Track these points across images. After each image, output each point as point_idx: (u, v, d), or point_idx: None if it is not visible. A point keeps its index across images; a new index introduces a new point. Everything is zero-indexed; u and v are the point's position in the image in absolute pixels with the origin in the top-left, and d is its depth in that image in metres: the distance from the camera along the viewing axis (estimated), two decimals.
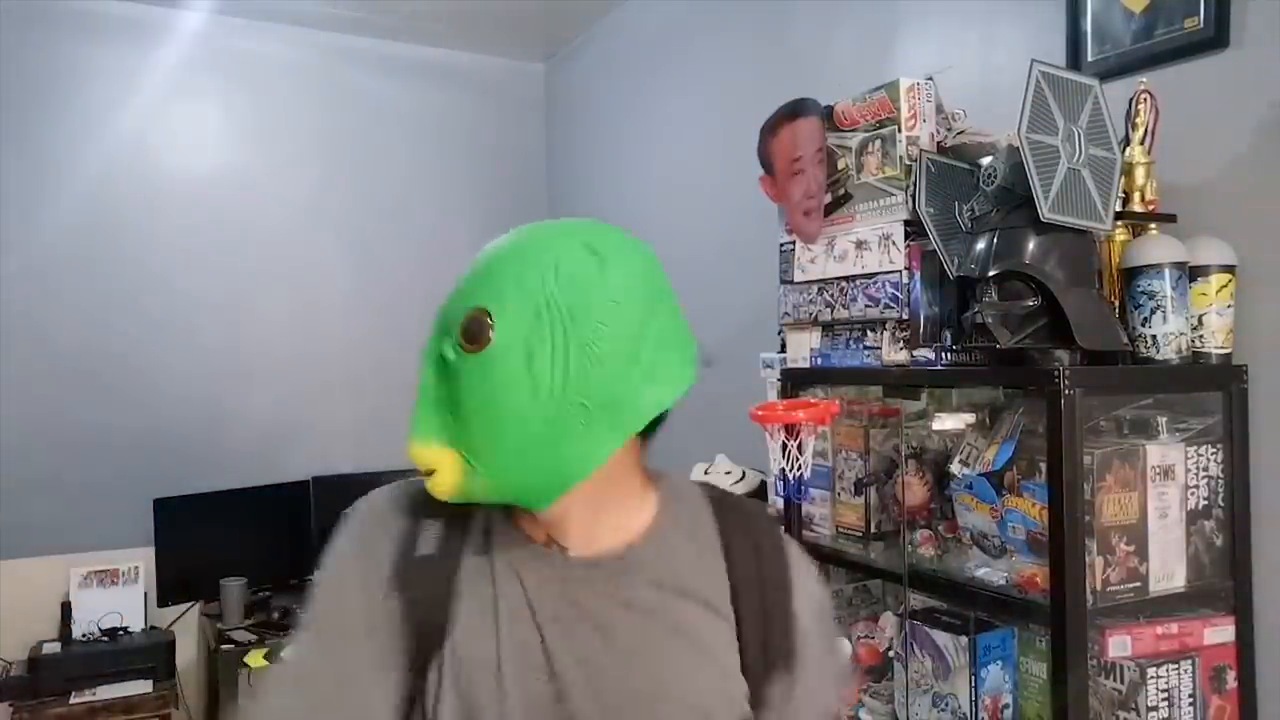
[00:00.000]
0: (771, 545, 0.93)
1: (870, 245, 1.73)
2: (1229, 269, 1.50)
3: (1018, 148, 1.38)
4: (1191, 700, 1.42)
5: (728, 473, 2.44)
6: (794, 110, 1.88)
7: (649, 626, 0.85)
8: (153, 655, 3.06)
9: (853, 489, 1.82)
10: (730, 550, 0.90)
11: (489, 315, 0.77)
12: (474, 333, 0.77)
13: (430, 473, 0.81)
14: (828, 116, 1.83)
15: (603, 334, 0.77)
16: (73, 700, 2.88)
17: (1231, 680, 1.47)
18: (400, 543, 0.85)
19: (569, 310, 0.76)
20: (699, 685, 0.85)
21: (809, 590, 0.93)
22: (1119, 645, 1.39)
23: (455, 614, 0.82)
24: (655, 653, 0.84)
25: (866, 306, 1.74)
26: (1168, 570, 1.44)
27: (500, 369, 0.77)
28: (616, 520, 0.87)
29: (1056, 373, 1.33)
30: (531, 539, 0.86)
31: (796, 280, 1.93)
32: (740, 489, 2.40)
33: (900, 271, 1.67)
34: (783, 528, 1.00)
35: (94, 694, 2.91)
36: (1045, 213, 1.37)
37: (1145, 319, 1.47)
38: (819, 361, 1.89)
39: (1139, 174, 1.52)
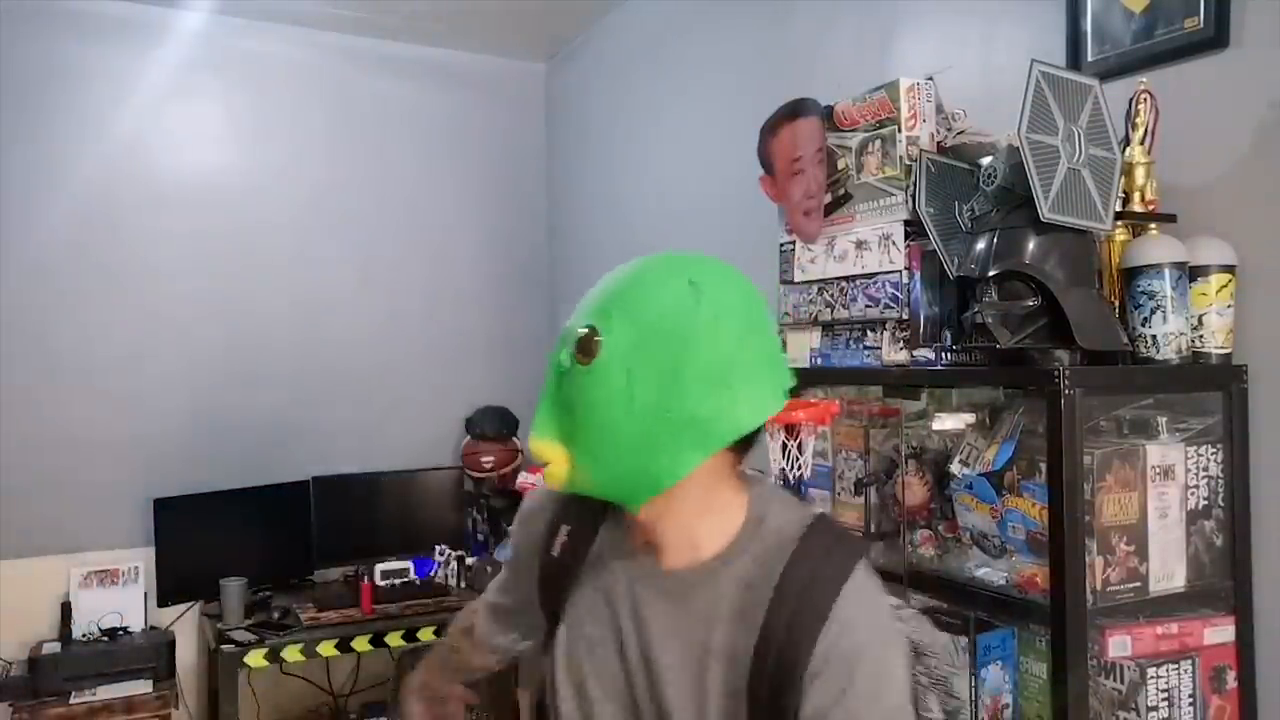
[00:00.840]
0: (825, 579, 0.90)
1: (870, 245, 1.73)
2: (1229, 269, 1.50)
3: (1018, 148, 1.38)
4: (1191, 700, 1.42)
5: None
6: (794, 110, 1.88)
7: (686, 648, 0.93)
8: (153, 655, 3.06)
9: (853, 489, 1.82)
10: (782, 584, 0.90)
11: (598, 334, 0.89)
12: (586, 347, 0.89)
13: (545, 464, 0.94)
14: (828, 116, 1.83)
15: (693, 360, 0.87)
16: (73, 700, 2.87)
17: (1231, 680, 1.47)
18: (541, 544, 1.06)
19: (666, 338, 0.88)
20: (715, 709, 0.91)
21: (850, 639, 0.87)
22: (1119, 645, 1.39)
23: (572, 600, 1.02)
24: (683, 672, 0.93)
25: (866, 306, 1.74)
26: (1168, 570, 1.44)
27: (605, 382, 0.88)
28: (710, 532, 0.96)
29: (1056, 373, 1.33)
30: (633, 543, 0.99)
31: (796, 280, 1.93)
32: None
33: (900, 271, 1.67)
34: (861, 566, 0.94)
35: (94, 694, 2.91)
36: (1045, 213, 1.37)
37: (1145, 319, 1.47)
38: (819, 361, 1.89)
39: (1139, 174, 1.52)
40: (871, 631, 0.90)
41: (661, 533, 0.96)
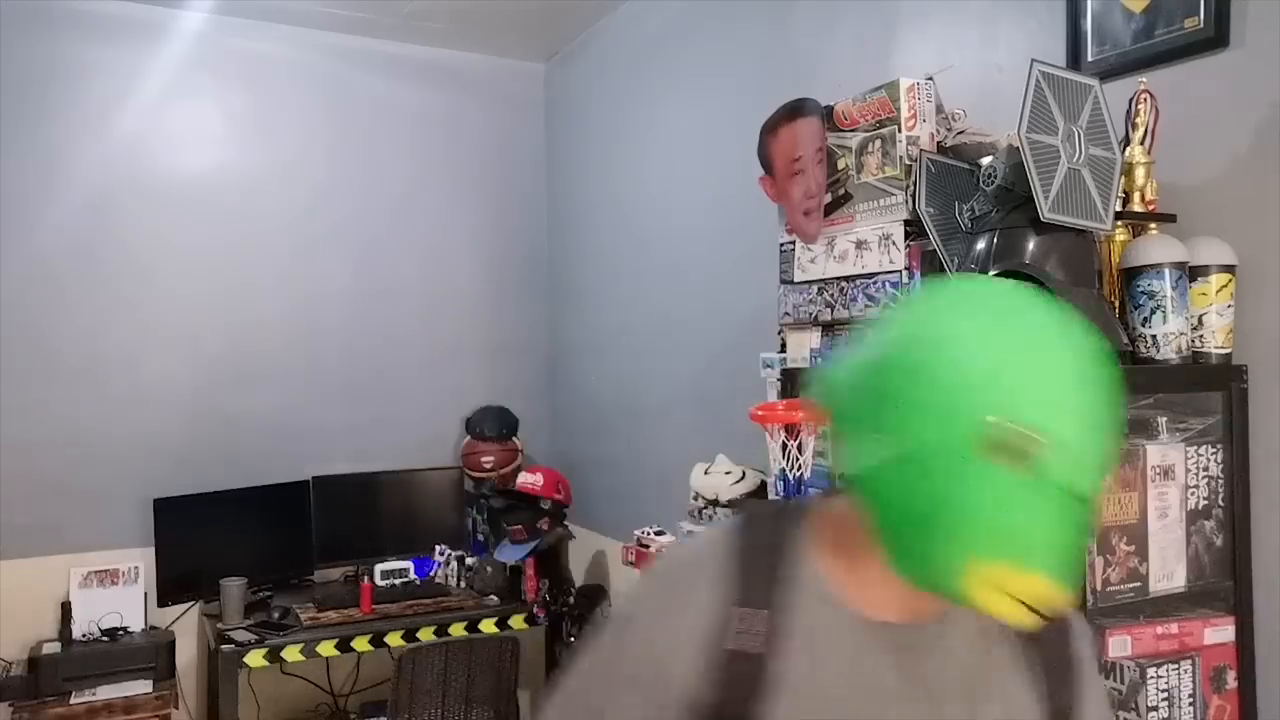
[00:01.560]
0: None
1: (870, 245, 1.73)
2: (1229, 269, 1.50)
3: (1018, 148, 1.38)
4: (1191, 700, 1.42)
5: (728, 473, 2.43)
6: (794, 110, 1.88)
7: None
8: (153, 655, 3.06)
9: None
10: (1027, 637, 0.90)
11: None
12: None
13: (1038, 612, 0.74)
14: (828, 116, 1.83)
15: None
16: (73, 700, 2.88)
17: (1231, 680, 1.47)
18: (713, 633, 0.82)
19: None
20: None
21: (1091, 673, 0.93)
22: (1119, 645, 1.39)
23: (777, 701, 0.80)
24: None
25: (867, 306, 1.74)
26: (1168, 570, 1.44)
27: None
28: None
29: None
30: (877, 610, 0.83)
31: (796, 280, 1.93)
32: (740, 489, 2.40)
33: (900, 271, 1.67)
34: None
35: (94, 694, 2.91)
36: (1045, 213, 1.37)
37: (1145, 319, 1.47)
38: (819, 361, 1.89)
39: (1139, 174, 1.52)
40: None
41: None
